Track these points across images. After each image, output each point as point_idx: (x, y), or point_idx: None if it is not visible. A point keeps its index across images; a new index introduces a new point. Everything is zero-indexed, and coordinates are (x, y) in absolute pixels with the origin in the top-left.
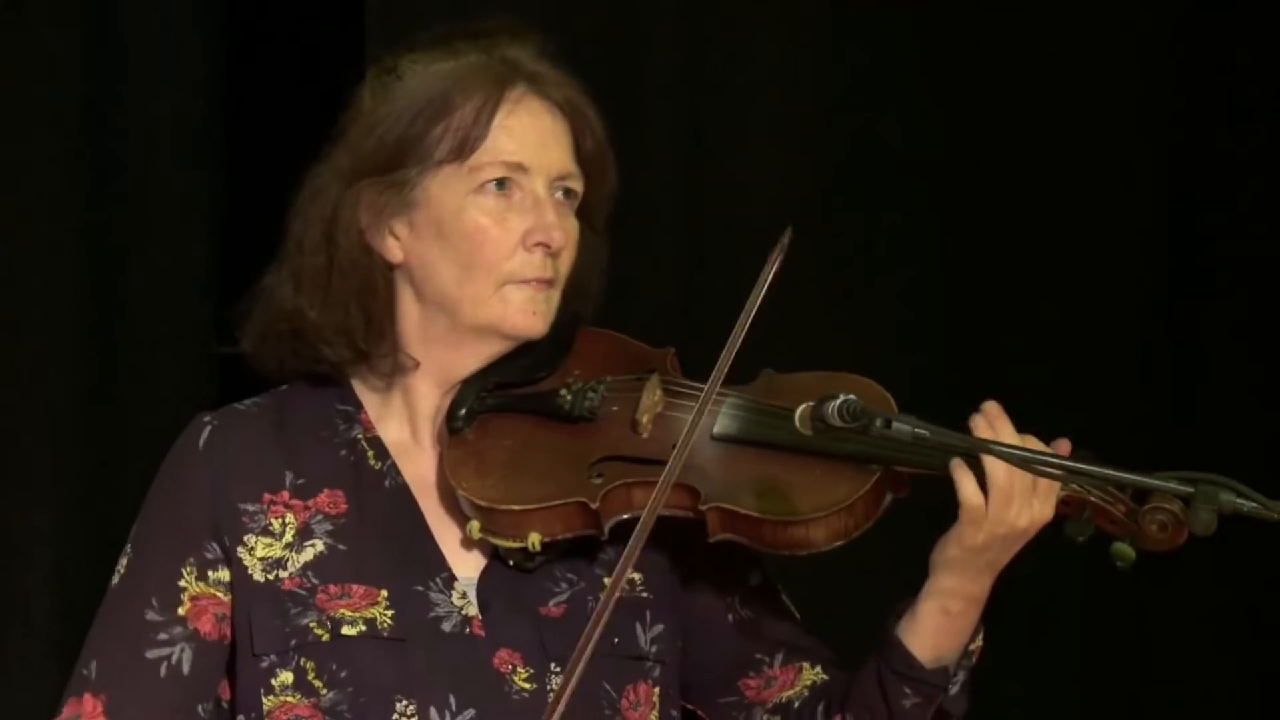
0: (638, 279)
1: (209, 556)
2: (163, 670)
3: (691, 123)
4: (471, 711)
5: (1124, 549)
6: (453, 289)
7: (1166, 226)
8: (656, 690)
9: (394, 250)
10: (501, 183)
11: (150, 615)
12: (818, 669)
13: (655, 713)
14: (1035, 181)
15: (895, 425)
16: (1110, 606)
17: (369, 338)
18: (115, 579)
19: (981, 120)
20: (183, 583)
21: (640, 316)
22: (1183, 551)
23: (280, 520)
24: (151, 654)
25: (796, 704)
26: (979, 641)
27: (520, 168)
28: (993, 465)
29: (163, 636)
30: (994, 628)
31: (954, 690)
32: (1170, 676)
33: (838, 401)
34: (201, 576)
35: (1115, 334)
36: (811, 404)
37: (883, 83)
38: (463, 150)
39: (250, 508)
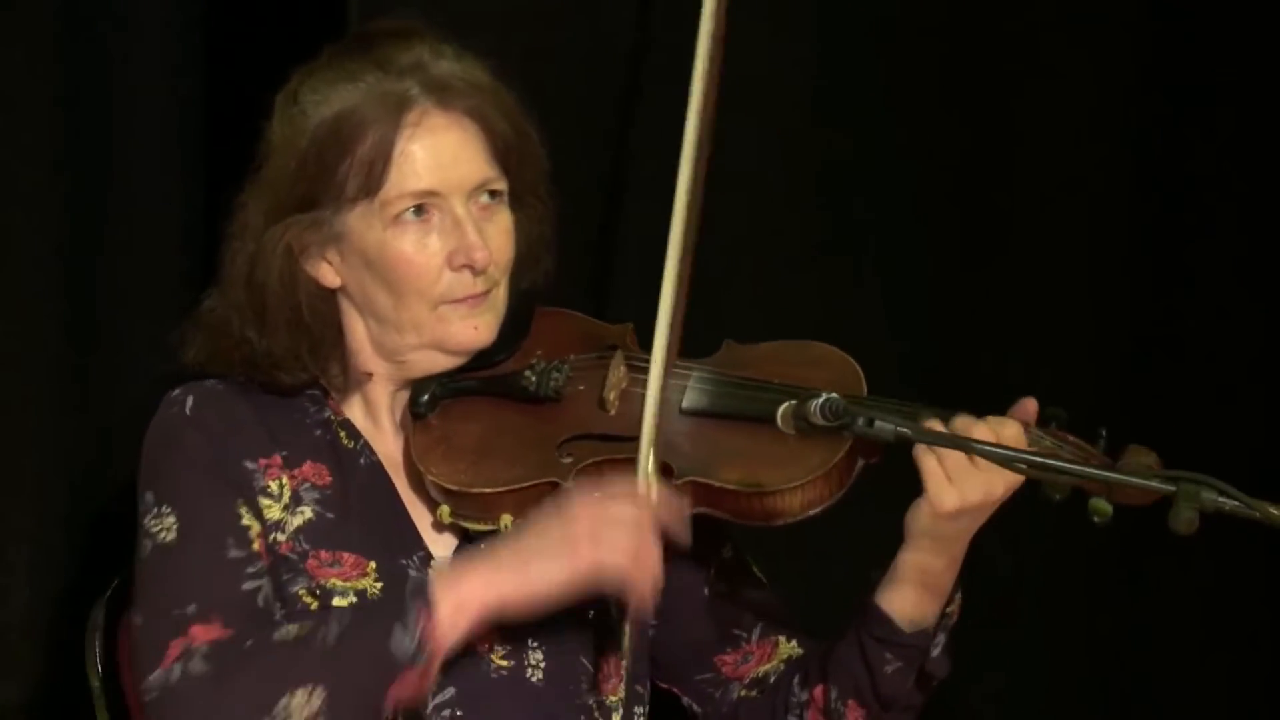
0: (617, 274)
1: (249, 494)
2: (260, 600)
3: (674, 117)
4: (452, 690)
5: (1101, 504)
6: (391, 313)
7: (1151, 218)
8: (624, 663)
9: (330, 276)
10: (418, 209)
11: (234, 553)
12: (793, 643)
13: (622, 685)
14: (1021, 175)
15: (877, 424)
16: (1093, 600)
17: (317, 361)
18: (168, 536)
19: (968, 113)
20: (245, 522)
21: (621, 312)
22: (1166, 550)
23: (277, 482)
24: (248, 586)
25: (773, 678)
26: (957, 603)
27: (432, 193)
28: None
29: (251, 570)
30: (976, 623)
31: (935, 652)
32: (1156, 671)
33: (820, 400)
34: (255, 515)
35: (1100, 327)
36: (793, 403)
37: (869, 75)
38: (370, 187)
39: (250, 466)
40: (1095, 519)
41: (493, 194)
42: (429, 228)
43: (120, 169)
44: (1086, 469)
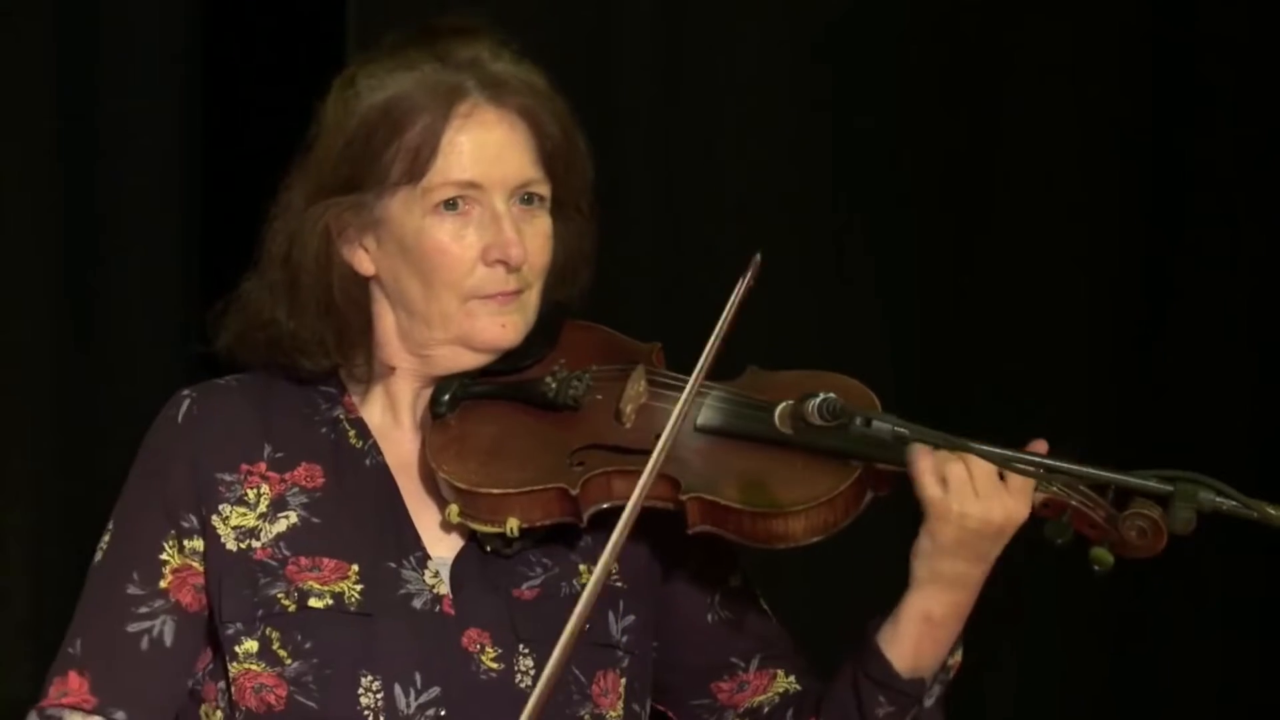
0: (616, 276)
1: (186, 527)
2: (144, 643)
3: (666, 119)
4: (437, 689)
5: (1102, 554)
6: (421, 304)
7: (1141, 225)
8: (624, 681)
9: (365, 263)
10: (456, 202)
11: (131, 589)
12: (791, 678)
13: (621, 702)
14: (1011, 181)
15: (875, 424)
16: (1093, 608)
17: (342, 349)
18: (98, 555)
19: (958, 121)
20: (164, 555)
21: (620, 313)
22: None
23: (255, 491)
24: (133, 627)
25: (767, 709)
26: (958, 656)
27: (474, 185)
28: (947, 461)
29: (144, 610)
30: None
31: (929, 703)
32: (1151, 677)
33: (817, 400)
34: (180, 549)
35: (1090, 332)
36: (791, 402)
37: (858, 81)
38: (414, 173)
39: (227, 477)
40: (1096, 568)
41: (535, 198)
42: (467, 220)
43: (118, 170)
44: (1082, 469)
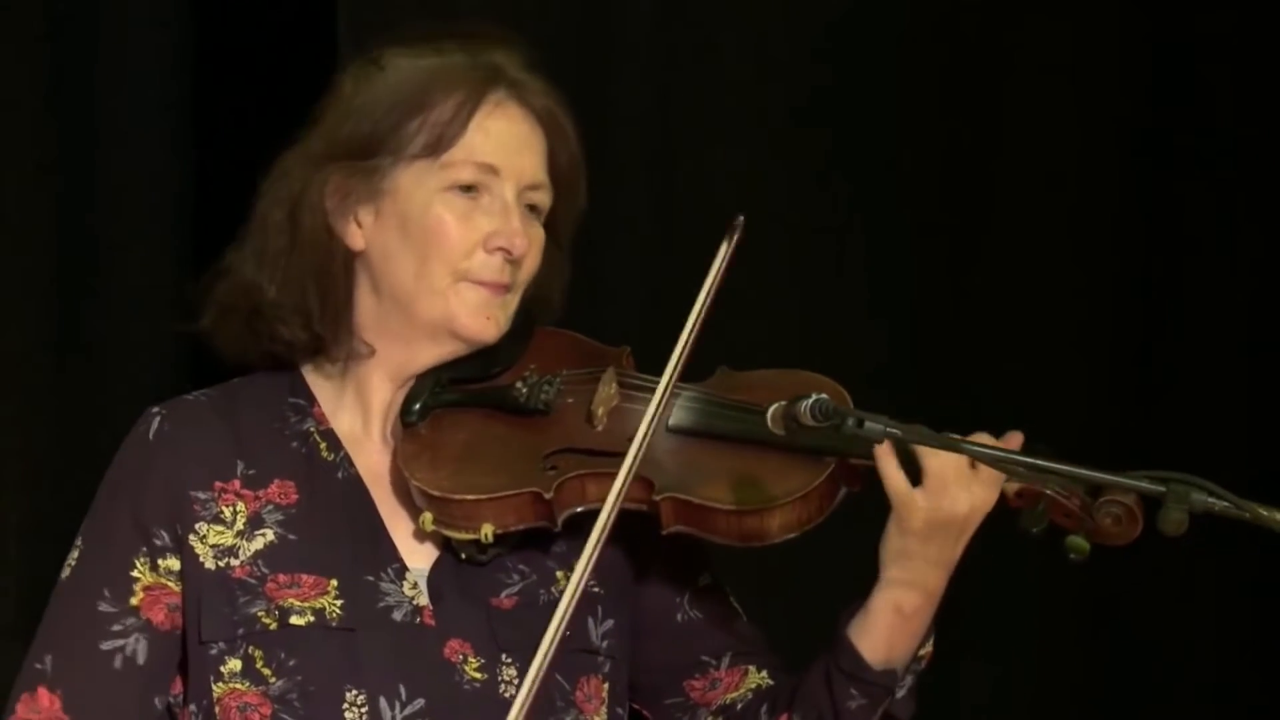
0: (612, 276)
1: (159, 544)
2: (118, 662)
3: (664, 120)
4: (421, 701)
5: (1078, 542)
6: (409, 281)
7: (1141, 225)
8: (606, 685)
9: (356, 237)
10: (471, 187)
11: (103, 607)
12: (763, 673)
13: (604, 707)
14: (1011, 181)
15: (868, 425)
16: (1085, 609)
17: (324, 320)
18: (66, 572)
19: (955, 116)
20: (135, 573)
21: (611, 315)
22: (1157, 548)
23: (231, 508)
24: (106, 645)
25: (740, 706)
26: (929, 647)
27: (492, 170)
28: (922, 452)
29: (116, 628)
30: (956, 622)
31: (901, 694)
32: (1146, 678)
33: (810, 401)
34: (153, 567)
35: (1090, 333)
36: (783, 403)
37: (858, 81)
38: (437, 146)
39: (202, 495)
40: (1072, 556)
41: (534, 208)
42: (476, 205)
43: (110, 172)
44: (1075, 470)
